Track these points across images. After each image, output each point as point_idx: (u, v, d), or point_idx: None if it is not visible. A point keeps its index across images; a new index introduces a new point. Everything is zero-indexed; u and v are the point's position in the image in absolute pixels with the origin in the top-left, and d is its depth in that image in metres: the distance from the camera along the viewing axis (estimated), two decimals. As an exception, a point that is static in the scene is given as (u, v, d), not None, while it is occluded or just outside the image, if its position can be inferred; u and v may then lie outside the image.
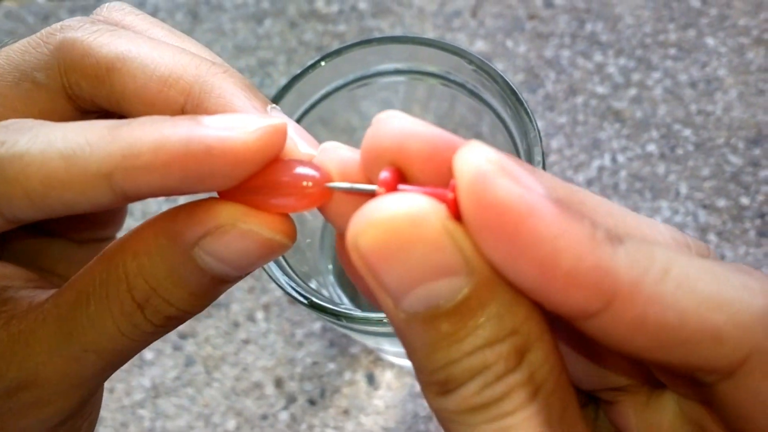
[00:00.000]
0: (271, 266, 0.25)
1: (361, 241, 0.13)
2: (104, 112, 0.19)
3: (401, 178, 0.15)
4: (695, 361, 0.13)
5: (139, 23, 0.20)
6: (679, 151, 0.44)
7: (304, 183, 0.15)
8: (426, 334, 0.14)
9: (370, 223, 0.13)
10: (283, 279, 0.25)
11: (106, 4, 0.20)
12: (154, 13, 0.53)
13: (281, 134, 0.15)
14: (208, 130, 0.14)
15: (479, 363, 0.13)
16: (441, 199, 0.14)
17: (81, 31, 0.18)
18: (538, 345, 0.13)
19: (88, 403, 0.19)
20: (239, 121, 0.15)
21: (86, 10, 0.54)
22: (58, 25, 0.18)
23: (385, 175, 0.14)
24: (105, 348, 0.16)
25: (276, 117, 0.16)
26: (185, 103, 0.17)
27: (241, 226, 0.15)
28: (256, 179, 0.15)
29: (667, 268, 0.13)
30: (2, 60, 0.18)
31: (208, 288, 0.16)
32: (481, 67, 0.25)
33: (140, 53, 0.17)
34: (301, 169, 0.15)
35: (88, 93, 0.18)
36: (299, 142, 0.17)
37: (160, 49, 0.17)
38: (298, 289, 0.24)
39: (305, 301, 0.24)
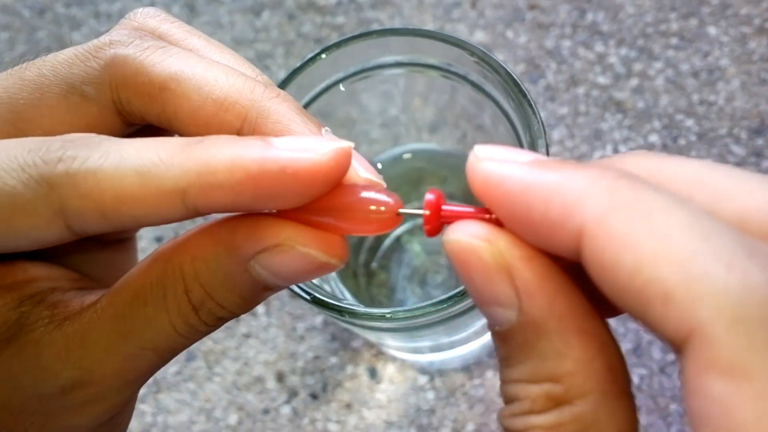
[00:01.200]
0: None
1: (447, 252, 0.15)
2: (152, 127, 0.19)
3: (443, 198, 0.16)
4: (651, 320, 0.12)
5: (176, 31, 0.20)
6: (682, 142, 0.44)
7: (373, 208, 0.16)
8: (495, 347, 0.15)
9: (445, 244, 0.15)
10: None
11: (140, 10, 0.20)
12: (151, 6, 0.53)
13: (349, 157, 0.16)
14: (281, 151, 0.15)
15: (513, 393, 0.14)
16: (482, 217, 0.15)
17: (132, 48, 0.18)
18: (580, 403, 0.13)
19: (133, 398, 0.19)
20: (310, 143, 0.15)
21: (82, 5, 0.53)
22: (106, 39, 0.18)
23: (429, 197, 0.16)
24: (160, 346, 0.17)
25: (341, 141, 0.16)
26: (241, 128, 0.17)
27: (300, 249, 0.16)
28: (321, 201, 0.16)
29: (649, 210, 0.12)
30: (48, 71, 0.18)
31: (258, 294, 0.17)
32: (483, 58, 0.25)
33: (194, 74, 0.17)
34: (368, 194, 0.16)
35: (139, 110, 0.18)
36: (358, 167, 0.17)
37: (214, 70, 0.18)
38: (301, 284, 0.24)
39: (308, 297, 0.24)
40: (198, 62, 0.18)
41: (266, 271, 0.16)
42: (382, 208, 0.16)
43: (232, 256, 0.16)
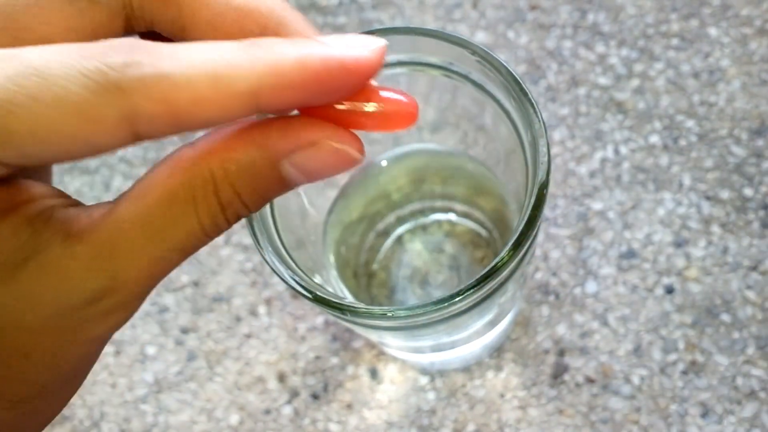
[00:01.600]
0: (275, 261, 0.25)
1: None
2: (156, 35, 0.19)
3: None
4: None
5: None
6: (682, 143, 0.44)
7: (394, 102, 0.17)
8: None
9: None
10: (287, 273, 0.24)
11: None
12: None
13: (384, 54, 0.17)
14: (337, 49, 0.16)
15: None
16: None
17: None
18: None
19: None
20: (356, 40, 0.16)
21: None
22: None
23: None
24: (187, 246, 0.17)
25: (378, 38, 0.17)
26: (261, 35, 0.18)
27: (333, 144, 0.17)
28: (349, 99, 0.17)
29: None
30: None
31: (277, 192, 0.18)
32: (485, 57, 0.25)
33: None
34: (388, 93, 0.17)
35: (150, 15, 0.18)
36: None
37: None
38: (302, 283, 0.24)
39: (310, 296, 0.24)
40: None
41: (296, 169, 0.17)
42: (404, 101, 0.18)
43: (265, 156, 0.16)
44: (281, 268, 0.25)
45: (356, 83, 0.16)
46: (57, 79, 0.14)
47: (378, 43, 0.16)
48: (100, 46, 0.15)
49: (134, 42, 0.15)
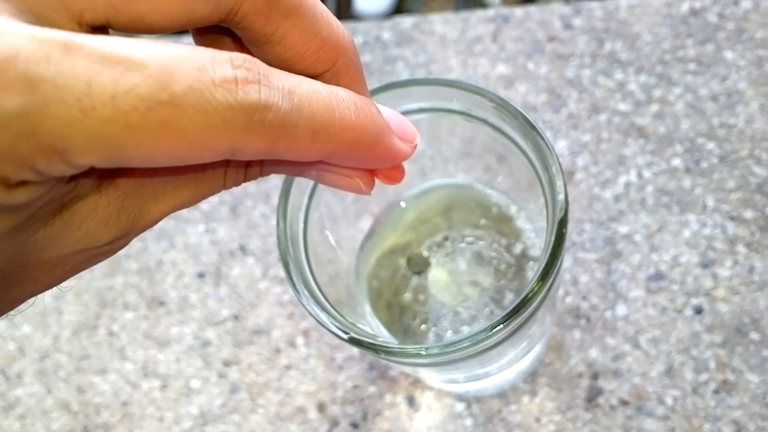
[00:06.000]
0: (312, 304, 0.26)
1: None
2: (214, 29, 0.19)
3: None
4: None
5: None
6: (704, 165, 0.45)
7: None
8: None
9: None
10: (323, 315, 0.26)
11: None
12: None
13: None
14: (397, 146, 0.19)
15: None
16: None
17: None
18: None
19: None
20: (406, 131, 0.20)
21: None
22: None
23: None
24: (206, 193, 0.20)
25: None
26: (325, 72, 0.19)
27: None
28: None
29: None
30: None
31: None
32: (502, 105, 0.26)
33: (311, 7, 0.18)
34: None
35: (245, 22, 0.17)
36: None
37: (324, 10, 0.18)
38: (338, 324, 0.26)
39: (345, 337, 0.25)
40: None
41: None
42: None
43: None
44: (317, 310, 0.26)
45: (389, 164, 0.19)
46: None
47: (417, 139, 0.19)
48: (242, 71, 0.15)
49: (257, 64, 0.15)
